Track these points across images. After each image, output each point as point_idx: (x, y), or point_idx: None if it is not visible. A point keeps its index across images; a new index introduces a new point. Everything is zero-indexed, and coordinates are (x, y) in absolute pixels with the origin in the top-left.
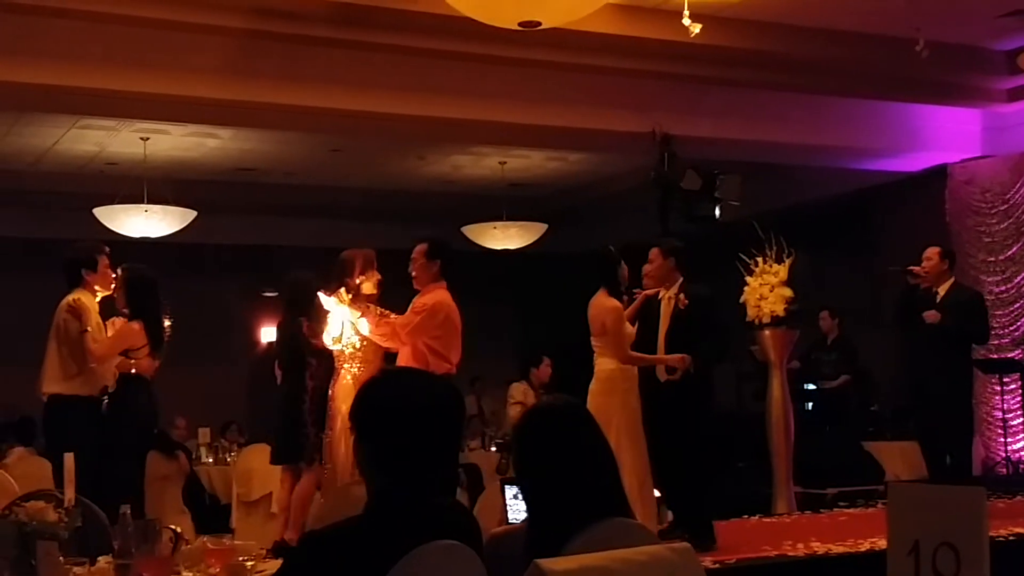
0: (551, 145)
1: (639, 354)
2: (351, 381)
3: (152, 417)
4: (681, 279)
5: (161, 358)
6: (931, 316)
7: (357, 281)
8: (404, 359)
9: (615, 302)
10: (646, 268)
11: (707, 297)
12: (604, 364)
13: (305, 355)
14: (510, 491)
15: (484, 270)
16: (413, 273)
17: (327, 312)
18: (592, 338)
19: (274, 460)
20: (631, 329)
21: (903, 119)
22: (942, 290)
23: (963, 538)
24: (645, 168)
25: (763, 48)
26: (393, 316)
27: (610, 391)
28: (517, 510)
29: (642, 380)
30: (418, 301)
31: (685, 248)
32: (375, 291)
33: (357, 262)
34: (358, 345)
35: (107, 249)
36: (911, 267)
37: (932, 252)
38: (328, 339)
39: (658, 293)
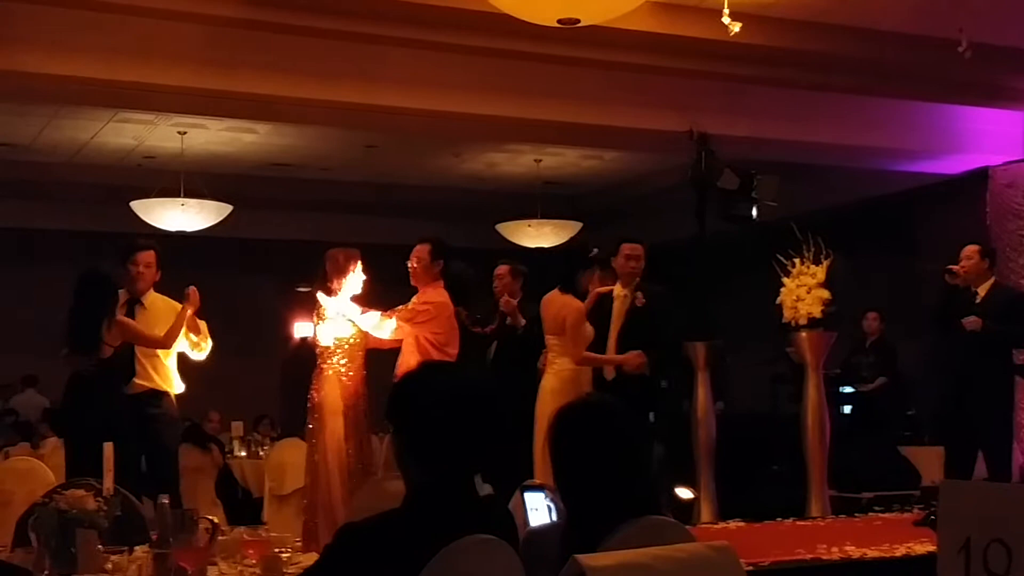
0: (587, 143)
1: (593, 355)
2: (332, 375)
3: (82, 416)
4: (637, 279)
5: (87, 354)
6: (971, 323)
7: (344, 280)
8: (408, 352)
9: (577, 301)
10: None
11: (664, 295)
12: (563, 364)
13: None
14: (531, 499)
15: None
16: (414, 269)
17: (324, 308)
18: (548, 336)
19: None
20: (590, 330)
21: (944, 121)
22: (982, 290)
23: (1016, 535)
24: (681, 167)
25: (803, 47)
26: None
27: (570, 391)
28: (538, 519)
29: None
30: (423, 298)
31: (652, 253)
32: (360, 289)
33: (347, 261)
34: (352, 341)
35: (144, 243)
36: (950, 266)
37: (971, 250)
38: (329, 337)
39: (611, 292)
